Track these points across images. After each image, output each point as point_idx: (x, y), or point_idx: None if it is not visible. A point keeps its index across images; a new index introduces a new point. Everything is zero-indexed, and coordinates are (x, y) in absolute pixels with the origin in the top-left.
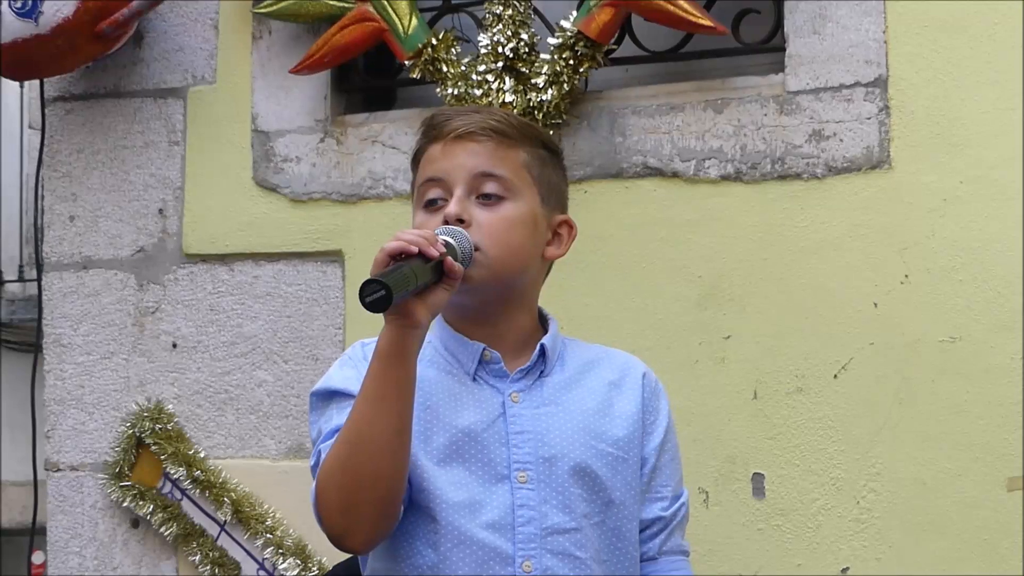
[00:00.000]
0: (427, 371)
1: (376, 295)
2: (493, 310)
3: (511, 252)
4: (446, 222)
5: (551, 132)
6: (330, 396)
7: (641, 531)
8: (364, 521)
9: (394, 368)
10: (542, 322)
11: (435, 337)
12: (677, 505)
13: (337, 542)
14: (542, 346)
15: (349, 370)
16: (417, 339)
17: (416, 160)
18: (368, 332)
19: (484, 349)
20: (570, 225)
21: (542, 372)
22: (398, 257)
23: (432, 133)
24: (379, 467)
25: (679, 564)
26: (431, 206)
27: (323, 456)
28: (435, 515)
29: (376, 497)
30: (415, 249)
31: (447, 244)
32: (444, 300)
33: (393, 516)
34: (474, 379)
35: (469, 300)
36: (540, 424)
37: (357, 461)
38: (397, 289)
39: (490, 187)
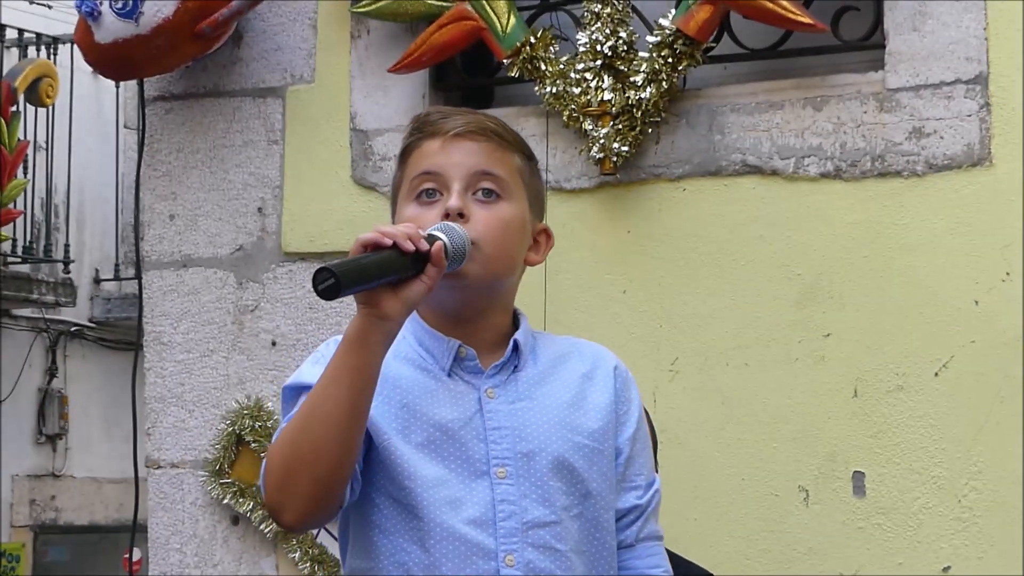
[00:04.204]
0: (402, 368)
1: (326, 283)
2: (474, 310)
3: (505, 252)
4: (446, 215)
5: (649, 130)
6: (300, 391)
7: (618, 520)
8: (299, 498)
9: (353, 354)
10: (514, 321)
11: (409, 333)
12: (651, 492)
13: (274, 517)
14: (515, 342)
15: (321, 367)
16: (383, 330)
17: (405, 155)
18: None
19: (460, 346)
20: (548, 234)
21: (516, 367)
22: (371, 248)
23: (429, 129)
24: (322, 446)
25: (655, 549)
26: (425, 198)
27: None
28: (419, 512)
29: (315, 476)
30: (389, 242)
31: (438, 240)
32: (421, 294)
33: (330, 501)
34: (449, 375)
35: (457, 296)
36: (517, 419)
37: (302, 437)
38: (348, 278)
39: (487, 185)
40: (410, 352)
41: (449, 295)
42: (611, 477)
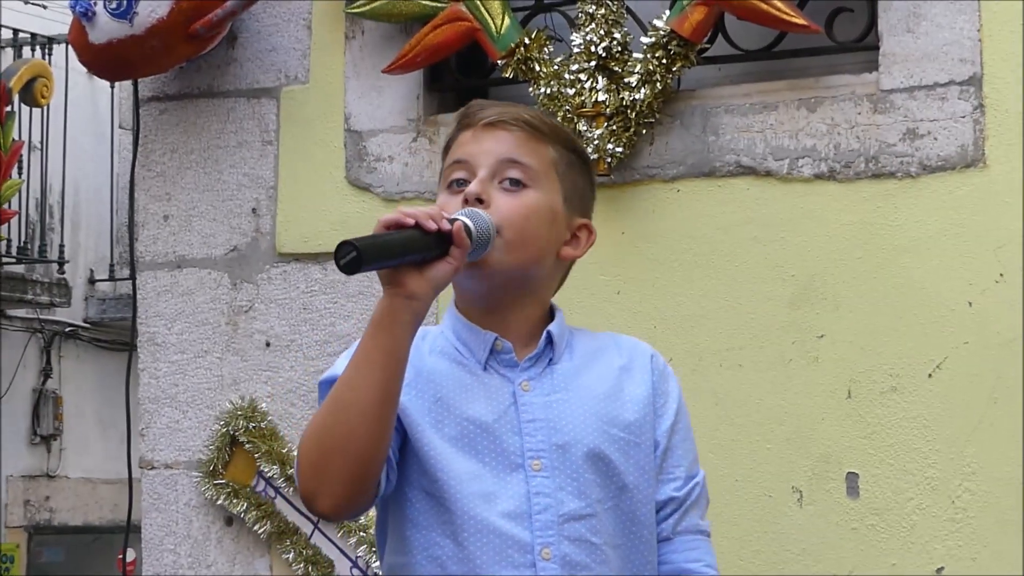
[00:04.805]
0: (439, 362)
1: (348, 257)
2: (504, 299)
3: (527, 239)
4: (466, 201)
5: (643, 131)
6: (334, 384)
7: (656, 512)
8: (333, 483)
9: (382, 336)
10: (551, 316)
11: (448, 327)
12: (691, 485)
13: (309, 504)
14: (548, 333)
15: None
16: (411, 310)
17: (446, 149)
18: None
19: (496, 339)
20: (590, 230)
21: (551, 360)
22: (393, 228)
23: (465, 121)
24: (354, 430)
25: (695, 543)
26: (457, 186)
27: None
28: (450, 505)
29: (348, 461)
30: (410, 221)
31: (464, 226)
32: (447, 274)
33: (365, 487)
34: (485, 368)
35: (483, 285)
36: (552, 411)
37: (334, 422)
38: (370, 253)
39: (514, 173)
40: (447, 346)
41: (476, 284)
42: (650, 471)
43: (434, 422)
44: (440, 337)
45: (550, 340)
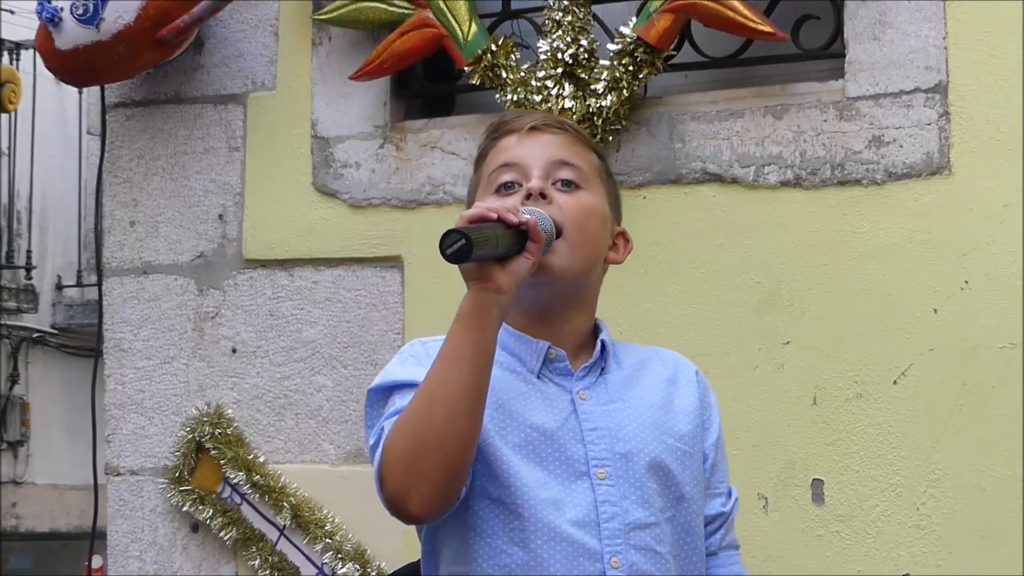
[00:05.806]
0: (493, 370)
1: (457, 245)
2: (558, 309)
3: (588, 240)
4: (528, 196)
5: (610, 138)
6: (391, 389)
7: (704, 527)
8: (427, 482)
9: (473, 330)
10: (594, 328)
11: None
12: (732, 500)
13: (397, 506)
14: (602, 342)
15: (412, 366)
16: (498, 304)
17: (483, 156)
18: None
19: (549, 347)
20: (626, 237)
21: (603, 370)
22: (476, 222)
23: (505, 128)
24: (448, 426)
25: (735, 558)
26: (505, 190)
27: (386, 431)
28: (521, 511)
29: (442, 458)
30: (494, 216)
31: (529, 217)
32: (527, 269)
33: (457, 484)
34: (539, 377)
35: (542, 293)
36: (612, 420)
37: (426, 420)
38: (477, 242)
39: (566, 174)
40: (498, 355)
41: (537, 292)
42: (701, 482)
43: (498, 429)
44: None
45: (603, 349)
